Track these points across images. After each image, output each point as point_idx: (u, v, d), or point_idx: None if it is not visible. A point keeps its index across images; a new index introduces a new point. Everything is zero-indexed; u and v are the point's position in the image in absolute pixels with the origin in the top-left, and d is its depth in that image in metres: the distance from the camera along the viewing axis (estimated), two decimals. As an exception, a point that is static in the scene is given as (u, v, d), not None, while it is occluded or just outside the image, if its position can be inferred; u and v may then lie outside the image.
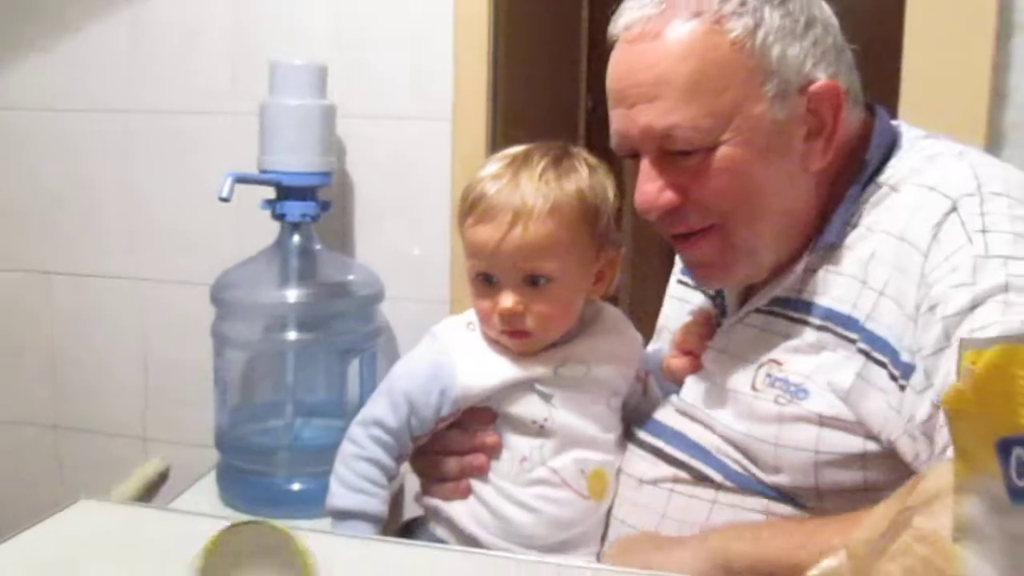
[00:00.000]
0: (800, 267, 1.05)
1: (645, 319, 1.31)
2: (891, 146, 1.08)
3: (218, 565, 0.74)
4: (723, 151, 1.00)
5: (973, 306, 0.89)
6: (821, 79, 1.01)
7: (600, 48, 1.07)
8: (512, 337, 1.11)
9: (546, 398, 1.12)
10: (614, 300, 1.22)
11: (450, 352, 1.14)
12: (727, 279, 1.12)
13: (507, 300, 1.08)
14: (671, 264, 1.33)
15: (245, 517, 0.86)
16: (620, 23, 1.04)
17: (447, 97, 1.98)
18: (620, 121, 1.05)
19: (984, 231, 0.93)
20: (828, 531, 0.89)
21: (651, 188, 1.03)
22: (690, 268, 1.16)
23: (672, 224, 1.06)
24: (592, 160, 1.11)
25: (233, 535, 0.76)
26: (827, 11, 1.06)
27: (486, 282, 1.11)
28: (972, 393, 0.46)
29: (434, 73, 1.97)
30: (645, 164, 1.04)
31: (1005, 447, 0.45)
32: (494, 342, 1.14)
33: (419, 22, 1.97)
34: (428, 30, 1.97)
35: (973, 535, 0.47)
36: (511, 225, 1.06)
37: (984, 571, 0.47)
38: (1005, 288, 0.89)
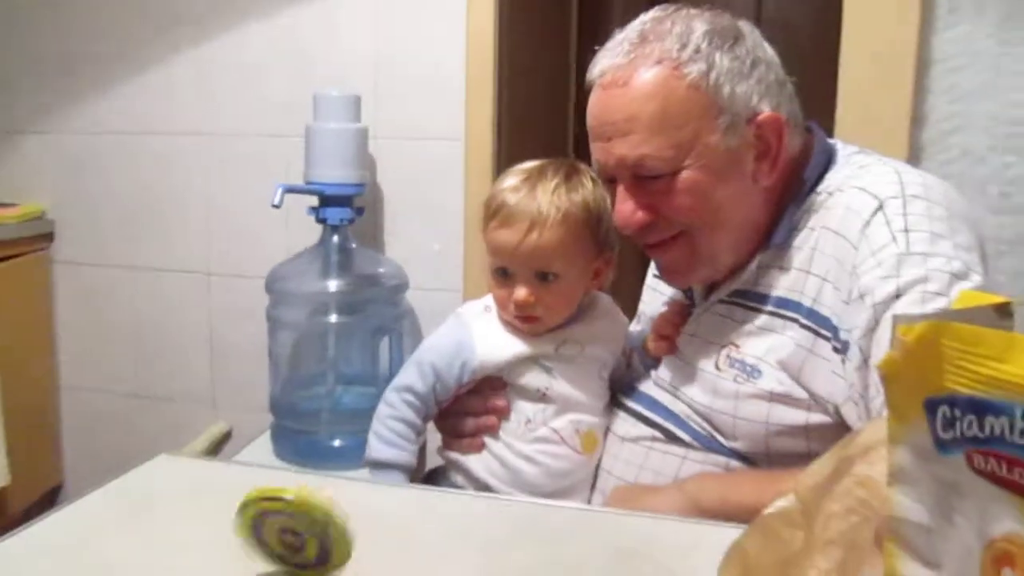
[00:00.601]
0: (754, 264, 1.04)
1: (627, 303, 1.30)
2: (828, 161, 1.07)
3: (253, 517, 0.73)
4: (685, 175, 0.99)
5: (898, 295, 0.89)
6: (765, 111, 1.01)
7: (585, 84, 1.07)
8: (523, 322, 1.11)
9: (548, 371, 1.11)
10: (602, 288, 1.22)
11: (470, 331, 1.14)
12: (691, 279, 1.12)
13: (521, 292, 1.08)
14: (648, 260, 1.32)
15: (285, 476, 0.86)
16: (596, 71, 1.04)
17: (460, 122, 1.97)
18: (599, 153, 1.05)
19: (906, 230, 0.92)
20: (784, 479, 0.89)
21: (626, 208, 1.03)
22: (660, 271, 1.15)
23: (645, 236, 1.05)
24: (596, 175, 1.10)
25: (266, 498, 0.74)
26: (769, 51, 1.05)
27: (504, 275, 1.10)
28: (904, 360, 0.45)
29: (449, 102, 1.97)
30: (621, 189, 1.03)
31: (932, 405, 0.44)
32: (507, 323, 1.13)
33: (436, 61, 1.97)
34: (444, 68, 1.96)
35: (905, 479, 0.47)
36: (528, 231, 1.06)
37: (914, 510, 0.47)
38: (925, 280, 0.88)
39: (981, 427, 0.42)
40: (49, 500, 2.33)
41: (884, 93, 1.64)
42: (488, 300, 1.16)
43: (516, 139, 2.03)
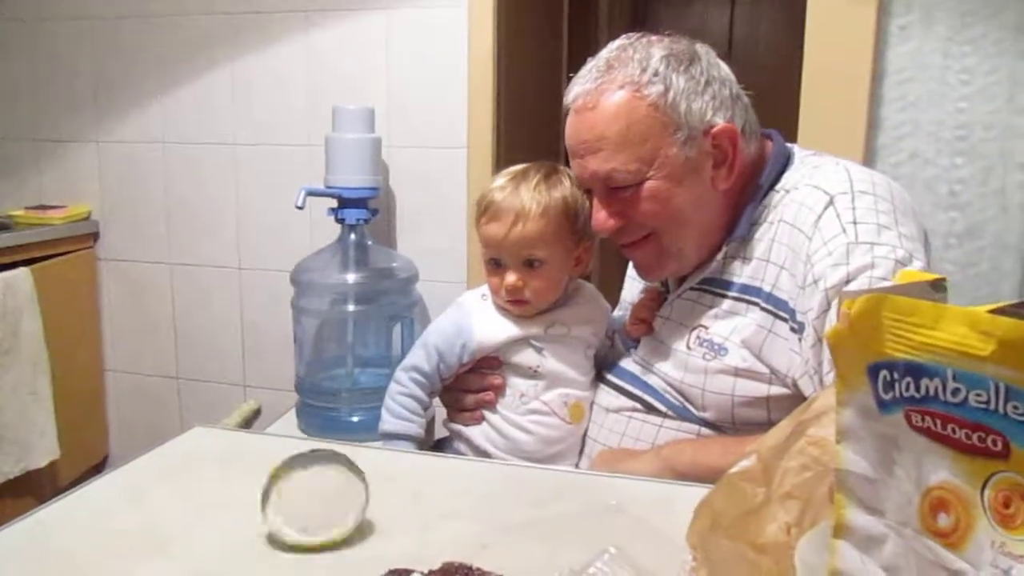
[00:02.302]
0: (720, 256, 1.05)
1: (613, 292, 1.30)
2: (786, 163, 1.07)
3: (288, 470, 0.74)
4: (649, 184, 1.00)
5: (847, 280, 0.89)
6: (720, 123, 1.01)
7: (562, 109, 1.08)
8: (514, 305, 1.11)
9: (539, 350, 1.12)
10: (588, 278, 1.22)
11: (469, 316, 1.14)
12: (661, 274, 1.12)
13: (511, 278, 1.09)
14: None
15: (315, 443, 0.86)
16: (569, 96, 1.05)
17: (463, 132, 1.97)
18: (576, 168, 1.06)
19: (855, 223, 0.93)
20: (748, 443, 0.89)
21: (600, 216, 1.04)
22: (634, 267, 1.17)
23: (619, 238, 1.07)
24: (574, 175, 1.11)
25: (305, 456, 0.75)
26: (724, 69, 1.06)
27: (495, 264, 1.11)
28: (848, 331, 0.45)
29: (454, 115, 1.97)
30: (596, 199, 1.05)
31: (874, 370, 0.45)
32: (501, 308, 1.14)
33: (442, 78, 1.97)
34: (449, 84, 1.96)
35: (851, 437, 0.47)
36: (513, 223, 1.08)
37: (859, 464, 0.47)
38: (872, 266, 0.89)
39: (917, 388, 0.43)
40: (96, 472, 2.33)
41: (842, 102, 1.64)
42: (485, 289, 1.17)
43: (513, 147, 2.03)
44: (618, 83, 1.00)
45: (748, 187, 1.06)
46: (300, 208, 1.78)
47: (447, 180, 1.99)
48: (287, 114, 2.10)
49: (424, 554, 0.68)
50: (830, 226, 0.94)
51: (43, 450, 2.06)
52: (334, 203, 1.88)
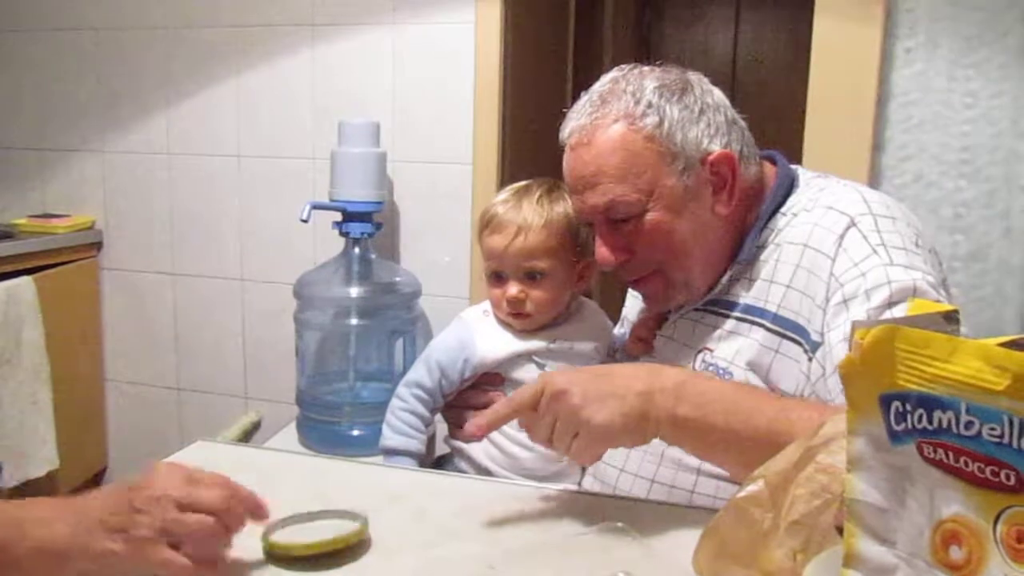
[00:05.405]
0: (725, 278, 1.04)
1: (612, 307, 1.30)
2: (791, 185, 1.07)
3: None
4: (650, 216, 1.00)
5: (890, 302, 0.88)
6: (716, 150, 1.01)
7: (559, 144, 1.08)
8: (516, 318, 1.12)
9: (541, 366, 1.12)
10: (589, 294, 1.23)
11: (471, 332, 1.14)
12: (670, 305, 1.11)
13: (512, 289, 1.10)
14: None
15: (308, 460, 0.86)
16: (565, 132, 1.04)
17: (468, 147, 1.97)
18: (576, 204, 1.06)
19: (884, 245, 0.93)
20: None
21: (605, 251, 1.04)
22: (644, 300, 1.15)
23: (625, 274, 1.07)
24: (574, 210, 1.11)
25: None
26: (717, 95, 1.05)
27: (497, 277, 1.12)
28: (861, 360, 0.45)
29: (459, 130, 1.97)
30: (598, 234, 1.05)
31: (886, 401, 0.45)
32: (503, 324, 1.14)
33: (448, 93, 1.97)
34: (454, 99, 1.97)
35: (861, 466, 0.47)
36: (515, 235, 1.09)
37: (869, 493, 0.47)
38: (914, 291, 0.89)
39: (930, 420, 0.43)
40: (95, 483, 2.33)
41: (848, 123, 1.64)
42: (487, 305, 1.17)
43: (518, 164, 2.03)
44: (612, 117, 1.00)
45: (751, 211, 1.05)
46: (305, 221, 1.78)
47: (451, 195, 1.99)
48: (292, 127, 2.10)
49: (428, 574, 0.68)
50: (857, 247, 0.93)
51: (42, 459, 2.05)
52: (338, 216, 1.88)
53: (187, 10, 2.14)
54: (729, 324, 1.02)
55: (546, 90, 2.45)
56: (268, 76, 2.10)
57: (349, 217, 1.86)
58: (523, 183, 1.15)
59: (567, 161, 1.05)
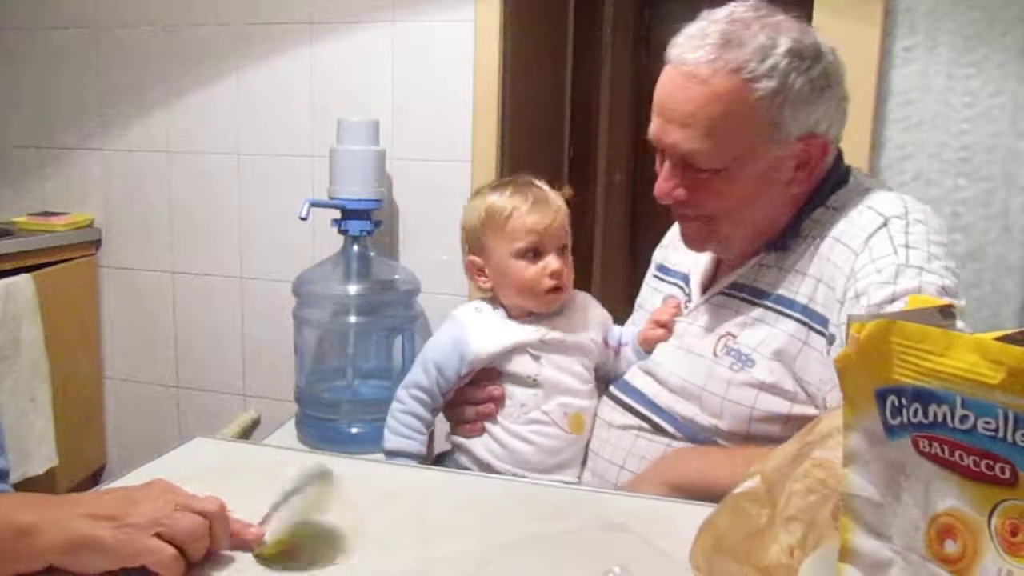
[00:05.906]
0: (755, 261, 1.04)
1: (611, 300, 1.30)
2: (840, 181, 1.05)
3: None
4: (726, 174, 0.98)
5: (892, 300, 0.88)
6: (819, 133, 0.98)
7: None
8: (555, 293, 1.14)
9: (536, 359, 1.13)
10: (588, 287, 1.23)
11: (465, 329, 1.15)
12: (703, 250, 1.12)
13: (555, 263, 1.12)
14: (629, 265, 1.32)
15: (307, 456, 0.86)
16: (675, 53, 0.97)
17: (467, 145, 1.98)
18: (656, 128, 1.01)
19: (907, 246, 0.92)
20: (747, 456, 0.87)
21: (667, 185, 1.02)
22: (681, 235, 1.12)
23: (676, 209, 1.05)
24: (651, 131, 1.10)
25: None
26: (841, 68, 1.00)
27: (533, 255, 1.13)
28: (856, 355, 0.45)
29: (458, 128, 1.98)
30: (667, 166, 1.02)
31: (882, 395, 0.45)
32: (495, 320, 1.15)
33: (447, 91, 1.98)
34: (454, 97, 1.97)
35: (857, 461, 0.47)
36: (556, 212, 1.13)
37: (865, 488, 0.47)
38: (918, 291, 0.88)
39: (925, 414, 0.43)
40: (94, 480, 2.33)
41: (847, 122, 1.64)
42: (478, 303, 1.19)
43: (517, 160, 2.03)
44: (732, 66, 0.93)
45: (811, 195, 1.04)
46: (304, 219, 1.78)
47: (451, 193, 1.99)
48: (291, 125, 2.10)
49: (425, 570, 0.68)
50: (881, 246, 0.93)
51: (41, 457, 2.05)
52: (337, 214, 1.88)
53: (187, 9, 2.14)
54: (756, 312, 1.01)
55: (545, 87, 2.46)
56: (267, 74, 2.10)
57: (348, 215, 1.87)
58: (508, 179, 1.19)
59: (666, 82, 0.98)
